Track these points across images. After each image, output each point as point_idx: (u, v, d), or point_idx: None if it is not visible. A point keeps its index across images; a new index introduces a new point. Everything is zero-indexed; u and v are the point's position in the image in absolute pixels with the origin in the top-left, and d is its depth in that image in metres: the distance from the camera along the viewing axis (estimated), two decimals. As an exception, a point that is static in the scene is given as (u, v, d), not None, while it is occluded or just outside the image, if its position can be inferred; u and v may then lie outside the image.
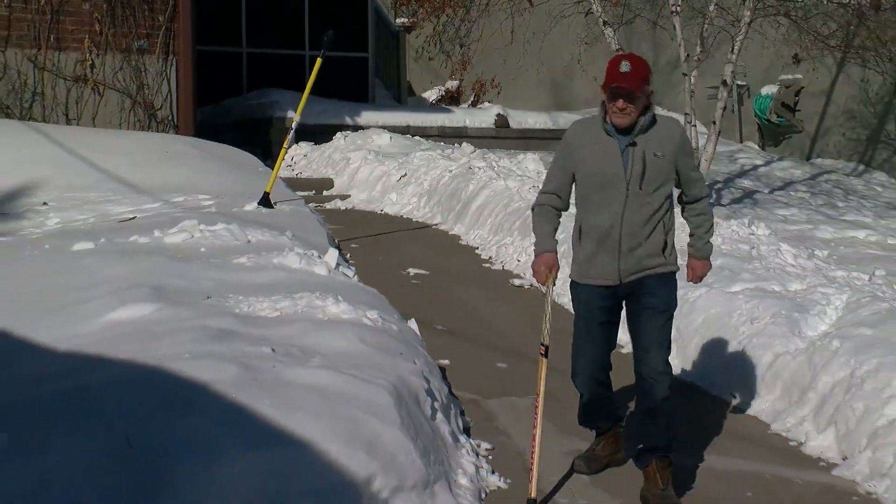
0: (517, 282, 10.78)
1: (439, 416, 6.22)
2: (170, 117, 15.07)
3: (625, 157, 5.80)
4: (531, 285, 10.41)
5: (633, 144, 5.79)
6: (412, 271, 11.13)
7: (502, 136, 20.35)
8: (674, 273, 6.05)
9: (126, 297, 7.11)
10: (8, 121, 13.81)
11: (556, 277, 6.10)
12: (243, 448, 5.08)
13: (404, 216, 14.17)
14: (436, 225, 13.61)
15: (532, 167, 14.72)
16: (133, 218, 10.34)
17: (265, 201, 11.47)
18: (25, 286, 7.69)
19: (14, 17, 14.18)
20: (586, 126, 6.05)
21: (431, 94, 25.20)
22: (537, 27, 21.95)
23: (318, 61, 12.30)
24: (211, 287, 7.53)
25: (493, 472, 6.21)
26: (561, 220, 6.23)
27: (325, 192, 15.60)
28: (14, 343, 6.55)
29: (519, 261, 11.37)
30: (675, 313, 6.11)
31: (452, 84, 25.59)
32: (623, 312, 6.18)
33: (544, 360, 5.93)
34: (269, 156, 15.96)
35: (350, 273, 9.41)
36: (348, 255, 11.10)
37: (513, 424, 7.05)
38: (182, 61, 15.03)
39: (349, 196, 15.29)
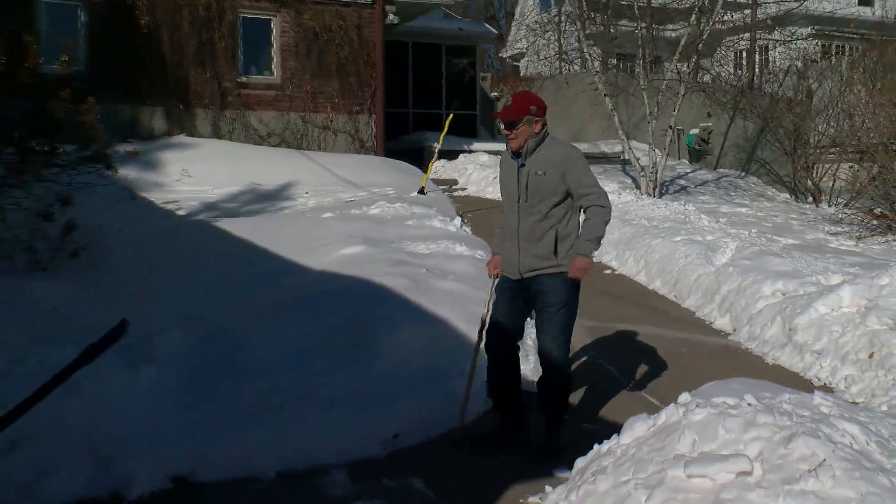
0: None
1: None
2: (371, 147, 15.12)
3: (519, 175, 4.20)
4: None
5: (524, 165, 4.20)
6: (500, 229, 10.99)
7: (548, 157, 19.92)
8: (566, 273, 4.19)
9: (348, 242, 7.17)
10: (289, 149, 14.01)
11: (500, 274, 4.39)
12: (412, 323, 5.09)
13: (496, 199, 13.97)
14: (512, 204, 13.42)
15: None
16: (352, 200, 10.38)
17: (421, 191, 11.39)
18: (298, 236, 7.78)
19: (293, 95, 14.32)
20: (505, 153, 4.36)
21: (510, 134, 24.98)
22: (570, 98, 21.46)
23: (450, 116, 12.26)
24: (393, 237, 7.55)
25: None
26: None
27: (453, 187, 15.42)
28: (291, 266, 6.63)
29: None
30: (580, 288, 4.27)
31: (521, 128, 25.35)
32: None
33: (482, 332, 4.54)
34: (423, 167, 15.88)
35: (467, 230, 9.34)
36: (466, 220, 11.00)
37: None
38: (378, 117, 15.08)
39: (466, 189, 15.11)
